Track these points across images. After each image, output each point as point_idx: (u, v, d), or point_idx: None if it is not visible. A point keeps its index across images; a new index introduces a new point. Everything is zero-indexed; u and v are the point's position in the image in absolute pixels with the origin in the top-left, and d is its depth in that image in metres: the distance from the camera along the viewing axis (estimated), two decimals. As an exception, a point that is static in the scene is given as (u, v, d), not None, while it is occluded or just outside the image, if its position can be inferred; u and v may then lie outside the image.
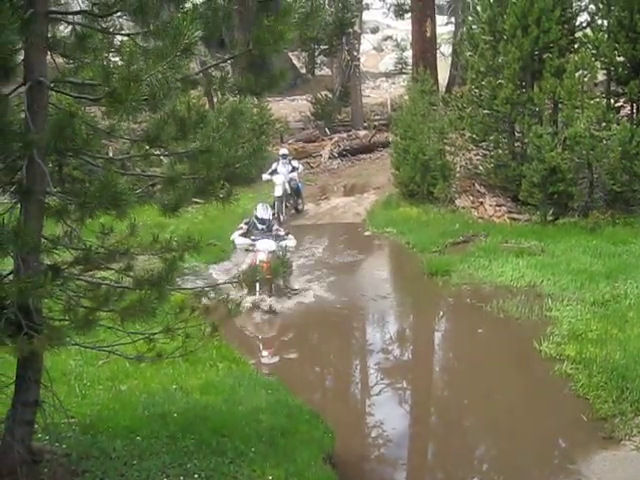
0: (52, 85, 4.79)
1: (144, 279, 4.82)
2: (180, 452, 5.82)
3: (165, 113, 5.06)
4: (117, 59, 4.74)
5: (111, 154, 5.63)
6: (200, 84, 5.12)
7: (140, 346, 5.53)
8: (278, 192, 17.06)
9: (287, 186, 17.53)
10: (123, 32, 4.89)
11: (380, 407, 8.42)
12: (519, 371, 8.96)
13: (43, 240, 4.74)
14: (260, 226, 12.50)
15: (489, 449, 7.45)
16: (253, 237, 12.31)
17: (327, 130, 24.01)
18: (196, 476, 5.47)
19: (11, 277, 4.79)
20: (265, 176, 16.52)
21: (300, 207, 18.49)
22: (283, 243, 12.06)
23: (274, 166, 16.92)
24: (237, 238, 12.49)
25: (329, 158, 22.40)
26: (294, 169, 17.75)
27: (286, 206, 17.75)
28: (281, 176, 17.25)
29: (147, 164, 5.54)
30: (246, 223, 12.74)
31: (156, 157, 5.54)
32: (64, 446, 5.70)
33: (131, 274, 5.03)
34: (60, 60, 5.26)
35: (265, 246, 11.81)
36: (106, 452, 5.72)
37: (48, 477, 5.20)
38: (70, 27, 5.10)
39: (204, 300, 5.49)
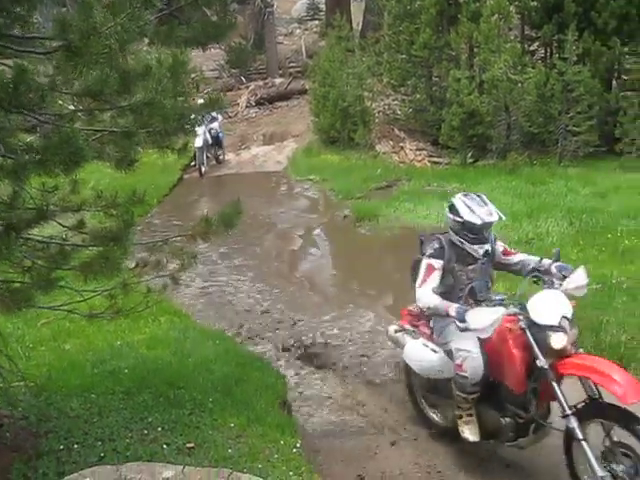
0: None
1: (101, 235, 4.76)
2: (139, 407, 5.81)
3: (109, 66, 4.95)
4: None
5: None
6: (146, 35, 5.01)
7: (95, 303, 5.48)
8: (198, 143, 16.70)
9: (207, 136, 17.31)
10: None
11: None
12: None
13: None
14: None
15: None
16: None
17: (243, 78, 23.78)
18: (159, 429, 5.48)
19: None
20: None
21: (221, 157, 18.32)
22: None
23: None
24: None
25: (246, 107, 22.24)
26: (214, 119, 17.54)
27: (207, 157, 17.57)
28: (201, 126, 16.92)
29: (91, 120, 5.41)
30: None
31: (99, 111, 5.41)
32: (19, 409, 5.62)
33: (86, 231, 4.96)
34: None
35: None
36: (64, 412, 5.66)
37: (10, 441, 5.14)
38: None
39: (157, 254, 5.46)
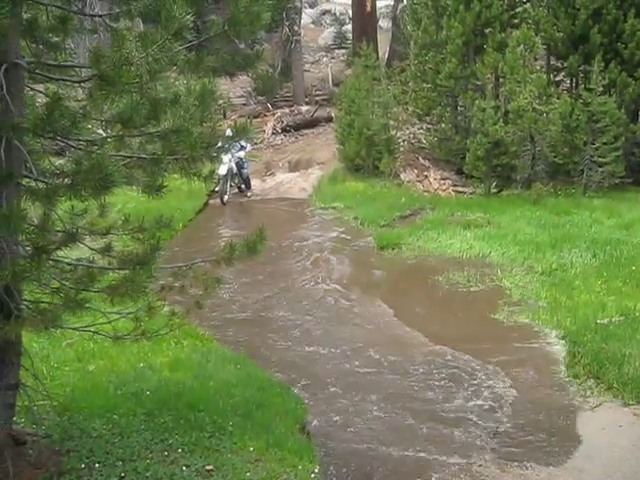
0: (29, 67, 4.78)
1: (128, 259, 4.87)
2: (160, 428, 5.90)
3: (139, 94, 5.09)
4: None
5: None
6: (177, 65, 5.15)
7: (119, 325, 5.60)
8: (222, 170, 16.40)
9: (233, 164, 17.21)
10: (99, 14, 4.89)
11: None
12: (472, 339, 9.22)
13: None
14: None
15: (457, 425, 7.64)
16: None
17: (269, 105, 24.00)
18: (180, 451, 5.57)
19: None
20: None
21: (243, 187, 18.24)
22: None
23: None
24: None
25: (272, 134, 22.41)
26: (242, 147, 17.17)
27: (230, 185, 17.50)
28: (227, 154, 16.52)
29: (120, 145, 5.55)
30: None
31: (129, 138, 5.55)
32: (43, 428, 5.72)
33: (113, 254, 5.08)
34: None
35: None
36: (86, 432, 5.77)
37: (34, 459, 5.23)
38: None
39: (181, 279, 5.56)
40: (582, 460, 6.42)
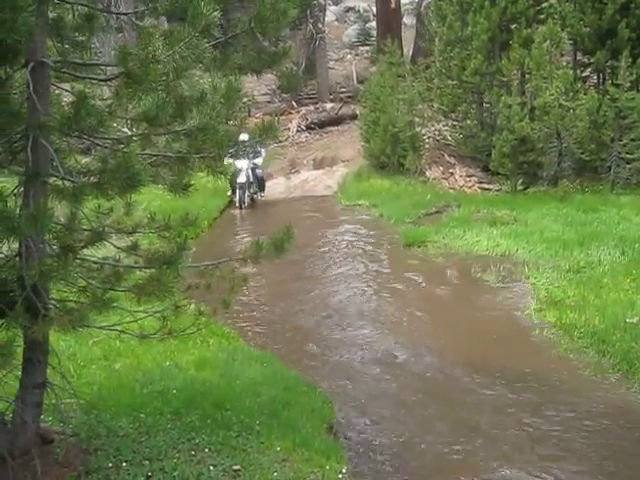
0: (55, 66, 4.78)
1: (154, 257, 4.87)
2: (187, 427, 5.89)
3: (165, 92, 5.07)
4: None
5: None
6: (202, 63, 5.13)
7: (145, 324, 5.59)
8: (242, 179, 16.12)
9: (250, 172, 16.69)
10: (125, 12, 4.87)
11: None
12: (503, 338, 9.12)
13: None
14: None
15: (480, 416, 7.57)
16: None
17: (294, 103, 24.00)
18: (207, 450, 5.55)
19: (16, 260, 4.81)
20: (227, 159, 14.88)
21: (257, 196, 17.43)
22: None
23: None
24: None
25: (297, 131, 22.42)
26: (257, 154, 16.77)
27: (248, 194, 16.99)
28: (245, 160, 16.16)
29: (146, 144, 5.54)
30: None
31: (155, 136, 5.54)
32: (70, 426, 5.73)
33: (139, 253, 5.07)
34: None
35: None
36: (113, 430, 5.77)
37: (62, 457, 5.24)
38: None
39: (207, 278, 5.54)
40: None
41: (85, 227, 4.99)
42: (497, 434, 6.79)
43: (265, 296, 10.89)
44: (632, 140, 14.90)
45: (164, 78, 3.98)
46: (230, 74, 5.46)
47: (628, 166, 15.04)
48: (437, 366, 8.45)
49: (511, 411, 7.25)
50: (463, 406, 7.38)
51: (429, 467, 6.28)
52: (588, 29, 15.83)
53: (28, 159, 4.63)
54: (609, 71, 16.57)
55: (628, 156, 14.99)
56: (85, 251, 4.82)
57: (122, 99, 4.32)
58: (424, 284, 11.36)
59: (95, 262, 4.95)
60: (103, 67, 4.79)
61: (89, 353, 7.76)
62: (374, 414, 7.24)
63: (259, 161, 17.07)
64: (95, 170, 4.36)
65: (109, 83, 4.48)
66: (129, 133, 5.48)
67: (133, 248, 5.23)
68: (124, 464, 5.28)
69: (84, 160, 5.30)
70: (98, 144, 4.88)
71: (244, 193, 16.62)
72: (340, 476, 5.49)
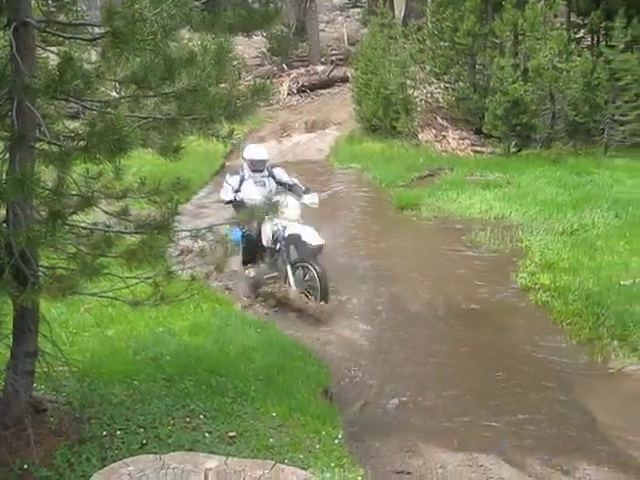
0: (39, 26, 4.62)
1: (145, 223, 4.77)
2: (181, 394, 5.84)
3: (153, 52, 4.93)
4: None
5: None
6: (191, 22, 4.98)
7: (137, 290, 5.50)
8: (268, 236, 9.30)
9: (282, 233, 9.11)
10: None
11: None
12: (497, 300, 9.09)
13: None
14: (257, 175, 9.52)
15: (476, 379, 7.55)
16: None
17: (285, 66, 23.74)
18: (202, 417, 5.51)
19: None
20: (226, 194, 9.27)
21: (311, 300, 8.66)
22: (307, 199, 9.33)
23: (239, 176, 9.48)
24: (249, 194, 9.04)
25: (288, 94, 22.21)
26: (282, 184, 9.66)
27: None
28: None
29: (135, 106, 5.41)
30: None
31: (144, 99, 5.40)
32: (63, 394, 5.66)
33: (130, 218, 4.97)
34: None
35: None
36: (106, 398, 5.70)
37: (55, 426, 5.18)
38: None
39: (200, 241, 5.45)
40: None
41: (74, 192, 4.87)
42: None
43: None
44: (626, 102, 14.80)
45: (152, 37, 3.84)
46: (220, 35, 5.32)
47: (622, 128, 14.96)
48: (422, 325, 8.45)
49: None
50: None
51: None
52: (582, -11, 15.66)
53: (13, 123, 4.50)
54: (603, 32, 16.44)
55: (622, 118, 14.90)
56: (74, 217, 4.70)
57: (109, 60, 4.17)
58: (417, 246, 11.31)
59: (84, 228, 4.84)
60: (89, 27, 4.64)
61: (81, 320, 7.66)
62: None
63: (311, 200, 9.42)
64: (83, 134, 4.24)
65: (95, 44, 4.33)
66: (117, 96, 5.35)
67: (123, 213, 5.11)
68: (118, 432, 5.23)
69: (72, 125, 5.18)
70: (86, 106, 4.74)
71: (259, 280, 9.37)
72: (336, 441, 5.46)
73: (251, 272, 9.46)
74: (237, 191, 9.28)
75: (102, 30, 4.18)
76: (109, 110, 4.52)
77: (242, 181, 9.43)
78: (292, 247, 9.00)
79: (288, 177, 9.73)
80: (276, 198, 8.19)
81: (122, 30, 3.80)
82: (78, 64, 4.26)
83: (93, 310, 7.81)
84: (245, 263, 9.43)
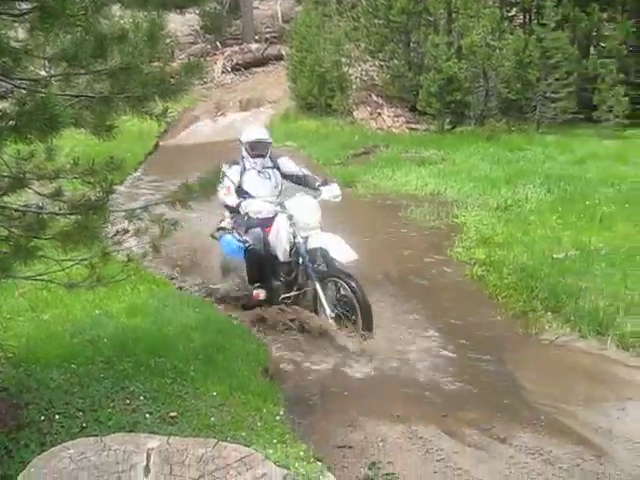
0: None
1: (80, 203, 4.67)
2: (120, 376, 5.76)
3: (84, 29, 4.82)
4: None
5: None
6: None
7: (73, 273, 5.40)
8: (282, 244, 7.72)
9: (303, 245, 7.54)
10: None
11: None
12: (433, 275, 9.22)
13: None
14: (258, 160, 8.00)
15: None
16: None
17: (218, 44, 23.48)
18: (141, 398, 5.44)
19: None
20: (229, 196, 7.84)
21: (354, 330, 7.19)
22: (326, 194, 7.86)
23: (239, 167, 8.04)
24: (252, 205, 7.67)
25: (222, 73, 22.00)
26: (290, 177, 8.27)
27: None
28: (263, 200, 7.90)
29: (66, 85, 5.29)
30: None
31: (75, 77, 5.28)
32: (-2, 380, 5.55)
33: (64, 199, 4.86)
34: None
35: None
36: (44, 383, 5.59)
37: (-9, 412, 5.08)
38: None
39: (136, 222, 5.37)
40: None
41: (5, 174, 4.75)
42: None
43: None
44: (557, 80, 15.12)
45: (82, 13, 3.75)
46: (152, 11, 5.23)
47: (553, 105, 15.28)
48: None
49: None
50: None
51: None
52: (514, -33, 15.87)
53: (-61, 103, 4.37)
54: (535, 10, 16.72)
55: (553, 95, 15.22)
56: (5, 198, 4.59)
57: (38, 37, 4.06)
58: (353, 223, 11.36)
59: (16, 210, 4.72)
60: (16, 2, 4.50)
61: (15, 305, 7.48)
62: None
63: (332, 193, 8.02)
64: (12, 113, 4.12)
65: (23, 19, 4.20)
66: (47, 74, 5.22)
67: (57, 194, 5.00)
68: (57, 417, 5.14)
69: (1, 105, 5.03)
70: (15, 85, 4.61)
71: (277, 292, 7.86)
72: (277, 418, 5.48)
73: (261, 294, 7.72)
74: (239, 187, 7.91)
75: (30, 5, 4.07)
76: (39, 89, 4.40)
77: (243, 173, 7.99)
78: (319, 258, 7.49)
79: (297, 167, 8.22)
80: (288, 202, 7.51)
81: (51, 5, 3.70)
82: (5, 41, 4.13)
83: (28, 294, 7.64)
84: (252, 282, 7.82)
